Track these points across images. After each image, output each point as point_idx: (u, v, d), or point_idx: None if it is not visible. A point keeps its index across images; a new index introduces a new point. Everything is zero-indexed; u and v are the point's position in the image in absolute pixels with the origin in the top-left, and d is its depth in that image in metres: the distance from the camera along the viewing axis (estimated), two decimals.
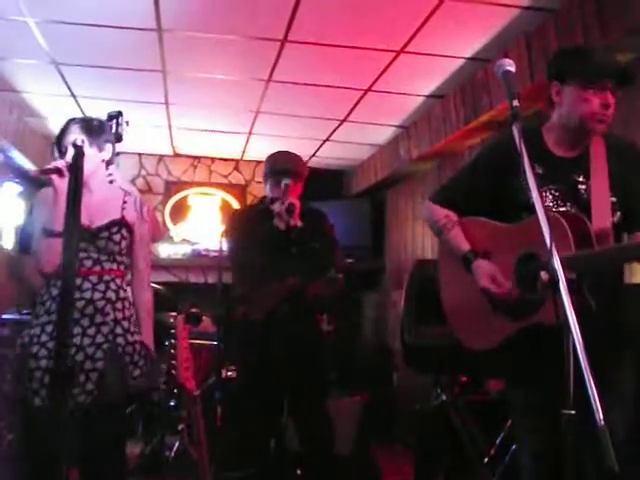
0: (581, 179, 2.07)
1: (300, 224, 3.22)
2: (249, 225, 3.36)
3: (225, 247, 3.62)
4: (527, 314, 1.96)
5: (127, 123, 2.66)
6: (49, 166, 2.39)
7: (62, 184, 2.29)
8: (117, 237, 2.53)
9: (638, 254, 1.86)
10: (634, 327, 2.18)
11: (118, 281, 2.55)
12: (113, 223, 2.53)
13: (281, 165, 3.32)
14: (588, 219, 1.96)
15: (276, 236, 3.20)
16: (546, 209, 1.63)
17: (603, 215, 1.99)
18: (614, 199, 2.03)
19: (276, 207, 3.23)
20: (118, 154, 2.73)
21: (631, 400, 2.03)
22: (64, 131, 2.52)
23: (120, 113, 2.65)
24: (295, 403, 3.32)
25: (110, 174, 2.66)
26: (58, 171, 2.33)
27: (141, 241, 2.62)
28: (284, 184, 3.24)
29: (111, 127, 2.64)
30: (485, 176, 2.20)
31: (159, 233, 5.14)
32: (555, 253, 1.52)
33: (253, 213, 3.51)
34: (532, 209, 1.96)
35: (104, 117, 2.65)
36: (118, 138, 2.64)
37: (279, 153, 3.47)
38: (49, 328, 2.40)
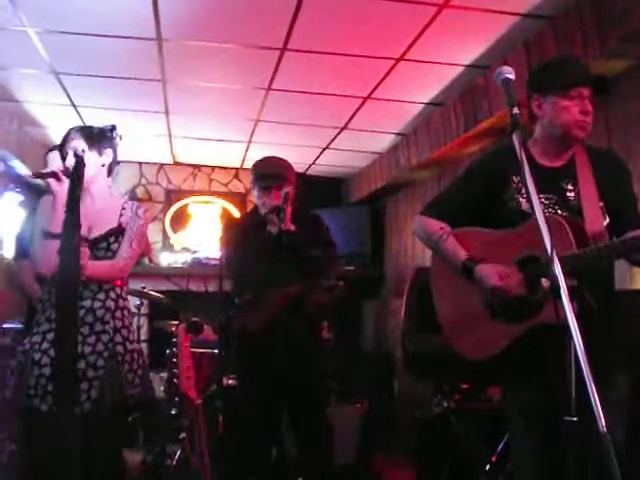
0: (569, 187, 2.13)
1: (293, 228, 3.23)
2: (244, 234, 3.37)
3: (221, 257, 3.65)
4: (529, 316, 1.97)
5: (120, 137, 2.68)
6: (46, 170, 2.43)
7: (59, 188, 2.35)
8: (115, 246, 2.55)
9: (623, 250, 1.87)
10: (626, 332, 2.21)
11: (118, 290, 2.57)
12: (111, 232, 2.55)
13: (265, 170, 3.34)
14: None
15: (269, 242, 3.21)
16: (546, 214, 1.65)
17: (595, 219, 2.05)
18: (602, 204, 2.09)
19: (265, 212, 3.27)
20: (118, 163, 2.76)
21: (626, 404, 2.03)
22: (65, 138, 2.56)
23: (114, 127, 2.67)
24: (295, 414, 3.31)
25: (109, 186, 2.69)
26: (54, 175, 2.37)
27: (130, 231, 2.59)
28: (268, 187, 3.28)
29: None
30: (478, 186, 2.25)
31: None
32: (556, 259, 1.53)
33: (248, 222, 3.52)
34: (525, 215, 2.05)
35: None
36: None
37: (263, 159, 3.50)
38: (50, 336, 2.41)
